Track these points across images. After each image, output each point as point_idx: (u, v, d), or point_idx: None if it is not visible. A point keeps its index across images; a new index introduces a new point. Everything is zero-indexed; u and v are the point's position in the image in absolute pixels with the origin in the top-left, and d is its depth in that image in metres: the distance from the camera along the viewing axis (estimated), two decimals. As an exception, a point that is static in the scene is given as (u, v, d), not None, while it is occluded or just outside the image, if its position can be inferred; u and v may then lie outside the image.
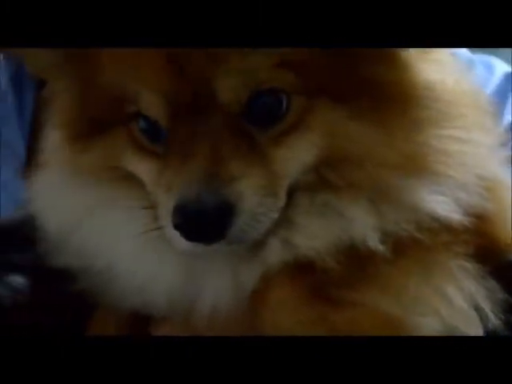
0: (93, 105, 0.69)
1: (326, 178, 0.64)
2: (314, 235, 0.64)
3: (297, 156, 0.62)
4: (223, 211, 0.59)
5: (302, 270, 0.64)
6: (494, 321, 0.64)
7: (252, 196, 0.60)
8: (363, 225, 0.62)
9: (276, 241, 0.65)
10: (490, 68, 1.04)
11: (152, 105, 0.63)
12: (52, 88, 0.76)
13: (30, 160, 1.11)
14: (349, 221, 0.63)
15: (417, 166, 0.62)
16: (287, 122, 0.61)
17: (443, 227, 0.62)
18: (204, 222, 0.59)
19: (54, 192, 0.76)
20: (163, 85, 0.61)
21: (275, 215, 0.62)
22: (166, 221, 0.62)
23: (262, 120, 0.61)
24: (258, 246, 0.66)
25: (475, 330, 0.63)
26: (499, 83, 1.03)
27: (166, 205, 0.62)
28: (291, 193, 0.64)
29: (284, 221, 0.64)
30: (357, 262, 0.62)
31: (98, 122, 0.69)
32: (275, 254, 0.65)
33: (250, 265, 0.67)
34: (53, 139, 0.77)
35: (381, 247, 0.61)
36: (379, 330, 0.61)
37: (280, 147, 0.62)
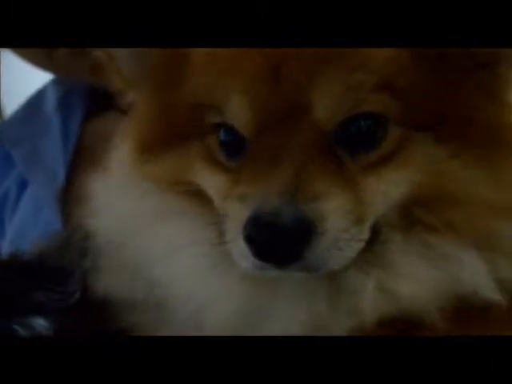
0: (171, 117, 0.66)
1: (419, 218, 0.59)
2: (418, 280, 0.57)
3: (387, 189, 0.57)
4: (303, 229, 0.54)
5: (401, 328, 0.58)
6: None
7: (336, 218, 0.55)
8: (475, 271, 0.56)
9: (370, 283, 0.58)
10: None
11: (241, 112, 0.59)
12: (129, 100, 0.74)
13: (68, 188, 1.12)
14: (458, 265, 0.56)
15: None
16: (381, 152, 0.57)
17: None
18: (280, 237, 0.54)
19: (113, 198, 0.72)
20: (256, 92, 0.58)
21: (359, 246, 0.56)
22: (236, 234, 0.57)
23: (354, 144, 0.57)
24: (346, 283, 0.59)
25: None
26: None
27: (238, 216, 0.56)
28: (378, 229, 0.59)
29: (378, 259, 0.58)
30: (465, 319, 0.57)
31: (173, 135, 0.67)
32: (370, 300, 0.58)
33: (333, 305, 0.60)
34: (123, 149, 0.74)
35: (498, 298, 0.56)
36: None
37: (370, 176, 0.57)
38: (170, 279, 0.64)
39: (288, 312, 0.60)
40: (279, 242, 0.54)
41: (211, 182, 0.63)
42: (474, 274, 0.56)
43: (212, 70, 0.62)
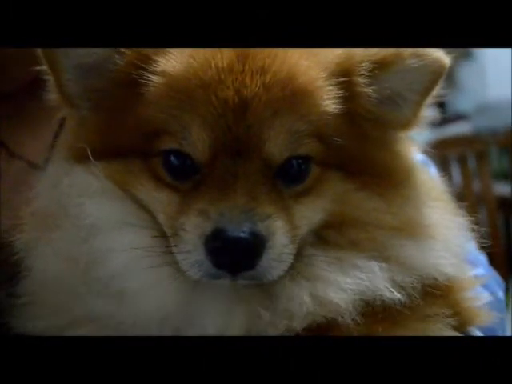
0: (116, 137, 0.71)
1: (329, 238, 0.70)
2: (336, 286, 0.67)
3: (309, 215, 0.69)
4: (258, 243, 0.63)
5: (323, 329, 0.67)
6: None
7: (280, 236, 0.65)
8: (383, 278, 0.68)
9: (299, 290, 0.68)
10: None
11: (199, 143, 0.66)
12: (62, 115, 0.79)
13: None
14: (364, 274, 0.68)
15: (410, 230, 0.71)
16: (305, 185, 0.69)
17: (431, 293, 0.70)
18: (239, 249, 0.63)
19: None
20: (217, 125, 0.66)
21: (291, 260, 0.67)
22: (194, 245, 0.65)
23: (289, 178, 0.68)
24: (282, 295, 0.68)
25: None
26: None
27: (199, 229, 0.64)
28: (301, 247, 0.69)
29: (304, 271, 0.68)
30: (370, 320, 0.67)
31: (114, 151, 0.72)
32: (303, 306, 0.67)
33: (271, 313, 0.67)
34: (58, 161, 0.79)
35: (397, 297, 0.67)
36: None
37: (298, 204, 0.69)
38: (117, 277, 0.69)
39: (225, 314, 0.68)
40: (238, 253, 0.63)
41: (156, 198, 0.70)
42: (376, 280, 0.67)
43: (173, 103, 0.67)
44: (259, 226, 0.63)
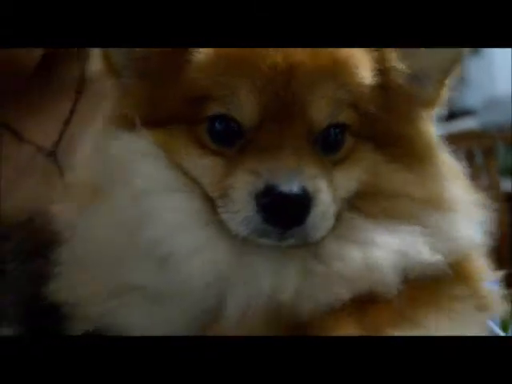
0: (163, 104, 0.72)
1: (360, 208, 0.73)
2: (391, 249, 0.70)
3: (345, 183, 0.73)
4: (307, 199, 0.66)
5: (364, 303, 0.68)
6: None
7: (326, 195, 0.69)
8: (424, 242, 0.71)
9: (355, 255, 0.70)
10: None
11: (247, 107, 0.69)
12: (119, 84, 0.78)
13: None
14: (412, 237, 0.71)
15: (437, 203, 0.74)
16: (340, 154, 0.73)
17: (456, 277, 0.73)
18: (289, 205, 0.66)
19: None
20: (265, 90, 0.68)
21: (333, 221, 0.70)
22: (245, 202, 0.67)
23: (327, 146, 0.72)
24: (334, 257, 0.70)
25: None
26: None
27: (250, 187, 0.67)
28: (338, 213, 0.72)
29: (351, 236, 0.71)
30: (404, 297, 0.69)
31: (163, 118, 0.73)
32: (356, 270, 0.69)
33: (323, 275, 0.69)
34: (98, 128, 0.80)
35: (440, 264, 0.70)
36: None
37: (335, 171, 0.72)
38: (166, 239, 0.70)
39: (277, 274, 0.69)
40: (288, 209, 0.66)
41: (200, 164, 0.72)
42: (418, 243, 0.70)
43: (221, 69, 0.69)
44: (308, 184, 0.66)
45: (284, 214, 0.66)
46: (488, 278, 0.80)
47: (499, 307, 0.79)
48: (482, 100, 4.84)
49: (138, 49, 0.72)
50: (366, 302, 0.69)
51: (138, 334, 0.72)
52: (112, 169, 0.74)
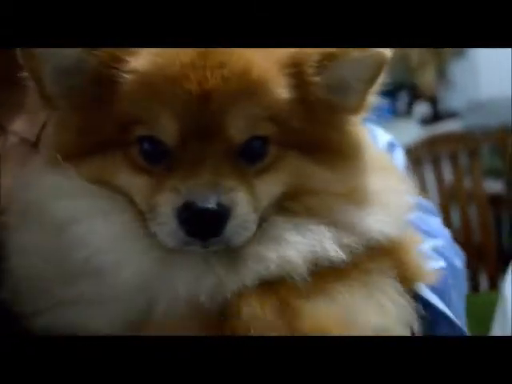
0: (97, 130, 0.79)
1: (286, 208, 0.80)
2: (299, 248, 0.77)
3: (270, 189, 0.79)
4: (223, 213, 0.73)
5: (272, 285, 0.75)
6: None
7: (243, 206, 0.74)
8: (330, 240, 0.77)
9: (264, 251, 0.77)
10: (373, 138, 1.17)
11: (168, 129, 0.75)
12: (55, 115, 0.84)
13: None
14: (320, 237, 0.77)
15: (355, 196, 0.81)
16: (265, 163, 0.78)
17: (377, 251, 0.80)
18: (207, 219, 0.72)
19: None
20: (183, 114, 0.75)
21: (254, 228, 0.76)
22: (168, 217, 0.74)
23: (250, 157, 0.77)
24: (249, 256, 0.76)
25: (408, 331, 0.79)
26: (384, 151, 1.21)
27: (171, 203, 0.73)
28: (264, 216, 0.79)
29: (268, 236, 0.78)
30: (316, 277, 0.76)
31: (95, 146, 0.79)
32: (268, 264, 0.76)
33: (235, 273, 0.75)
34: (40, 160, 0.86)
35: (342, 257, 0.77)
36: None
37: (259, 180, 0.78)
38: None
39: (195, 278, 0.75)
40: (206, 222, 0.72)
41: (134, 183, 0.78)
42: (325, 242, 0.77)
43: (144, 97, 0.76)
44: (223, 198, 0.72)
45: (202, 227, 0.73)
46: (418, 246, 0.88)
47: (434, 276, 0.88)
48: (467, 102, 4.87)
49: (69, 81, 0.78)
50: (278, 283, 0.75)
51: (80, 332, 0.77)
52: (37, 203, 0.81)
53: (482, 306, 2.31)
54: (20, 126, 1.04)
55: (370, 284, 0.79)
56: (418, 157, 3.17)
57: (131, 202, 0.79)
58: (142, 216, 0.77)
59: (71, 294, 0.78)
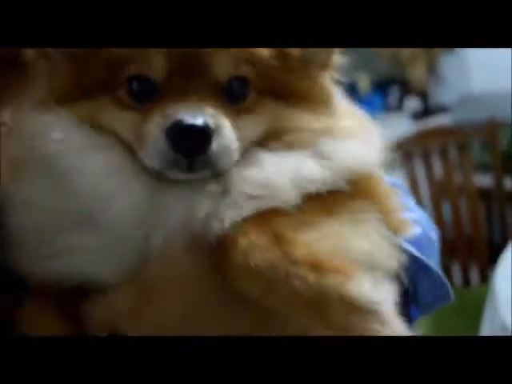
0: (86, 75, 0.82)
1: (267, 146, 0.84)
2: (284, 170, 0.82)
3: (250, 129, 0.83)
4: (208, 131, 0.77)
5: (266, 219, 0.79)
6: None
7: (228, 132, 0.79)
8: (314, 165, 0.82)
9: (252, 176, 0.81)
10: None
11: (157, 65, 0.80)
12: (47, 65, 0.85)
13: None
14: (304, 163, 0.82)
15: (334, 132, 0.86)
16: (245, 105, 0.83)
17: (360, 193, 0.84)
18: (194, 134, 0.77)
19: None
20: (172, 51, 0.79)
21: (237, 155, 0.81)
22: (157, 136, 0.77)
23: (232, 96, 0.82)
24: (235, 181, 0.81)
25: (393, 262, 0.84)
26: None
27: (161, 124, 0.77)
28: (247, 149, 0.83)
29: (252, 163, 0.82)
30: (307, 213, 0.80)
31: (88, 90, 0.83)
32: (254, 189, 0.80)
33: (227, 199, 0.79)
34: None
35: (330, 181, 0.81)
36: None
37: (240, 119, 0.82)
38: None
39: (186, 205, 0.79)
40: (192, 138, 0.77)
41: (122, 120, 0.82)
42: (309, 167, 0.82)
43: None
44: (209, 119, 0.77)
45: (189, 142, 0.77)
46: (396, 197, 0.93)
47: (406, 229, 0.92)
48: (457, 97, 4.89)
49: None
50: (267, 214, 0.79)
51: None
52: (34, 151, 0.83)
53: (472, 299, 2.33)
54: (9, 116, 1.04)
55: (357, 219, 0.83)
56: (409, 151, 3.18)
57: (121, 139, 0.82)
58: (132, 151, 0.81)
59: (70, 241, 0.81)
